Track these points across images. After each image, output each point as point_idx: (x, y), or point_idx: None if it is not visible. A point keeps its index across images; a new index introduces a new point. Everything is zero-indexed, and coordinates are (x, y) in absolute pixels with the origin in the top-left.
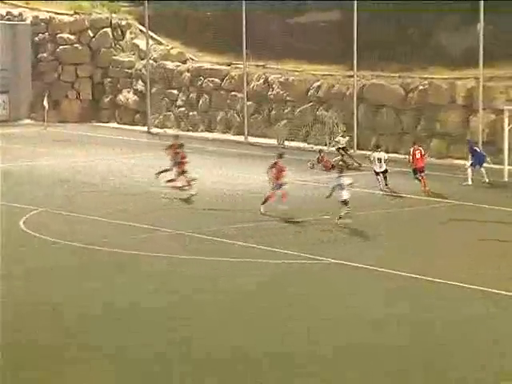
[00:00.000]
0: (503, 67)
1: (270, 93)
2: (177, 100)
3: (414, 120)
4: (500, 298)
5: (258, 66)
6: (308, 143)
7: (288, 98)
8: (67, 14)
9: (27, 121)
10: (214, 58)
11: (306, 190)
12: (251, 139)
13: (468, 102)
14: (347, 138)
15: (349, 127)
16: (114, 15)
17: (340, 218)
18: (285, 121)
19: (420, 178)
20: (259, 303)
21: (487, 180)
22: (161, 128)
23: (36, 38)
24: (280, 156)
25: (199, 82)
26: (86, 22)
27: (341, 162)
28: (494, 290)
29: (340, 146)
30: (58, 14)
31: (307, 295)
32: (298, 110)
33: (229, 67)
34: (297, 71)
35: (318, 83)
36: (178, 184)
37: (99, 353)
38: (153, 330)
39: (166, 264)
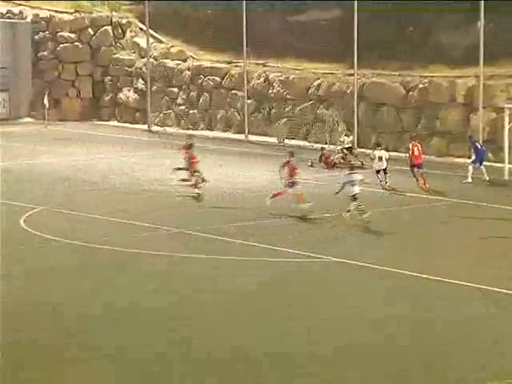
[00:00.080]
0: (504, 65)
1: (270, 91)
2: (177, 98)
3: (415, 118)
4: (500, 298)
5: (258, 64)
6: (308, 141)
7: (288, 97)
8: (67, 13)
9: (27, 119)
10: (215, 56)
11: (307, 188)
12: (251, 137)
13: (468, 101)
14: (351, 137)
15: (349, 125)
16: (114, 13)
17: (348, 211)
18: (285, 119)
19: (419, 174)
20: (259, 303)
21: (487, 178)
22: (161, 126)
23: (36, 37)
24: (292, 155)
25: (199, 81)
26: (87, 21)
27: (341, 161)
28: (494, 290)
29: (345, 146)
30: (59, 12)
31: (307, 295)
32: (298, 109)
33: (229, 65)
34: (297, 69)
35: (319, 81)
36: (192, 183)
37: (99, 353)
38: (153, 330)
39: (167, 263)
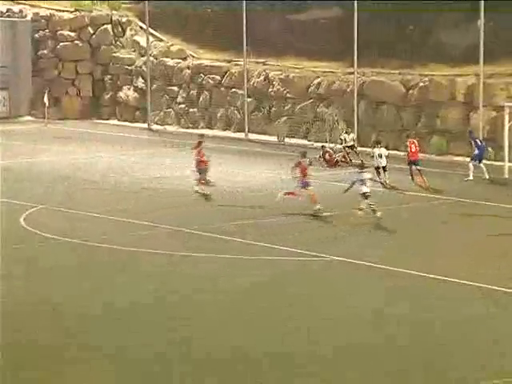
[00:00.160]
0: (503, 64)
1: (270, 90)
2: (177, 97)
3: (415, 117)
4: (500, 298)
5: (258, 62)
6: (308, 140)
7: (288, 95)
8: (67, 11)
9: (27, 118)
10: (215, 54)
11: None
12: (251, 136)
13: (468, 99)
14: (352, 134)
15: (349, 124)
16: (114, 12)
17: (360, 209)
18: (285, 118)
19: (416, 171)
20: (259, 303)
21: (487, 176)
22: (161, 125)
23: (36, 35)
24: (304, 155)
25: (199, 79)
26: (87, 19)
27: (342, 159)
28: (494, 289)
29: (347, 145)
30: (59, 10)
31: (307, 295)
32: (298, 107)
33: (229, 64)
34: (297, 68)
35: (319, 80)
36: (208, 180)
37: (99, 353)
38: (153, 330)
39: (166, 262)
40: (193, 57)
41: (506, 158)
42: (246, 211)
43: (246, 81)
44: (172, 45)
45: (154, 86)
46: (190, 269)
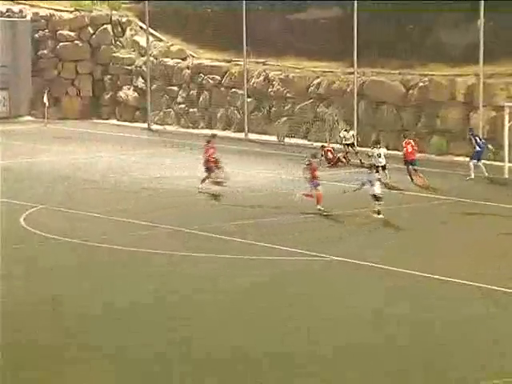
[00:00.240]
0: (503, 64)
1: (270, 90)
2: (177, 97)
3: (415, 117)
4: (500, 298)
5: (258, 62)
6: (308, 140)
7: (288, 95)
8: (67, 11)
9: (27, 117)
10: (215, 54)
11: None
12: (251, 136)
13: (468, 99)
14: (351, 132)
15: (349, 124)
16: (114, 12)
17: (375, 211)
18: (285, 118)
19: (413, 171)
20: (259, 303)
21: (487, 175)
22: (161, 125)
23: (36, 35)
24: (314, 156)
25: (199, 79)
26: (87, 19)
27: (343, 159)
28: (494, 289)
29: (347, 142)
30: (59, 10)
31: (307, 295)
32: (298, 107)
33: (229, 64)
34: (297, 68)
35: (319, 80)
36: (219, 179)
37: (99, 353)
38: (153, 330)
39: (166, 262)
40: (193, 57)
41: (506, 158)
42: (245, 211)
43: (245, 81)
44: (172, 45)
45: (154, 85)
46: (190, 269)
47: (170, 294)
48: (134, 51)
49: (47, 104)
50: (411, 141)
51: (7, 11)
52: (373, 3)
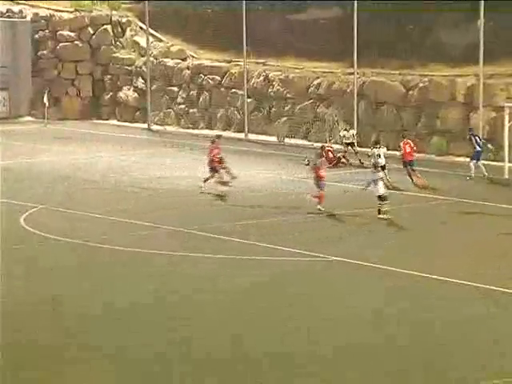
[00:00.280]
0: (504, 64)
1: (270, 90)
2: (177, 97)
3: (415, 117)
4: (500, 298)
5: (258, 63)
6: (308, 140)
7: (288, 95)
8: (67, 11)
9: (27, 118)
10: (215, 55)
11: (307, 186)
12: (251, 136)
13: (468, 100)
14: (351, 131)
15: (349, 124)
16: (114, 12)
17: (385, 213)
18: (285, 118)
19: (411, 171)
20: (259, 303)
21: (486, 174)
22: (161, 125)
23: (36, 35)
24: (320, 156)
25: (199, 80)
26: (87, 19)
27: (343, 159)
28: (494, 289)
29: (347, 141)
30: (59, 11)
31: (307, 295)
32: (298, 108)
33: (229, 64)
34: (297, 68)
35: (319, 80)
36: (224, 180)
37: (99, 353)
38: (153, 330)
39: (166, 262)
40: (193, 57)
41: (506, 158)
42: (245, 211)
43: (245, 81)
44: (172, 45)
45: (154, 86)
46: (190, 269)
47: (170, 293)
48: (134, 51)
49: (47, 104)
50: (409, 141)
51: (7, 11)
52: (373, 3)
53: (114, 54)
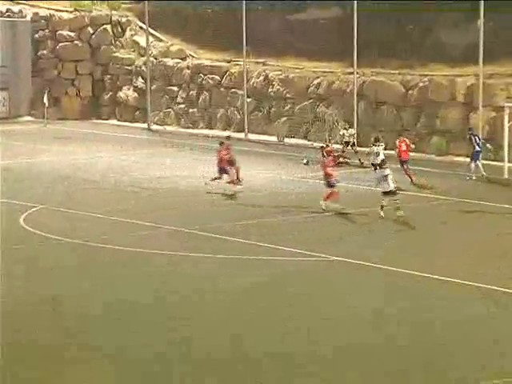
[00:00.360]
0: (503, 64)
1: (270, 90)
2: (177, 97)
3: (414, 117)
4: (500, 298)
5: (258, 63)
6: (308, 140)
7: (288, 95)
8: (67, 11)
9: (27, 118)
10: (214, 54)
11: (307, 186)
12: (251, 136)
13: (468, 99)
14: (350, 130)
15: (349, 123)
16: (114, 12)
17: (399, 209)
18: (285, 118)
19: (407, 169)
20: (259, 303)
21: (484, 174)
22: (161, 125)
23: (36, 35)
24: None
25: (199, 79)
26: (86, 19)
27: (341, 159)
28: (494, 289)
29: (346, 140)
30: (58, 10)
31: (307, 295)
32: (298, 107)
33: (229, 64)
34: (297, 68)
35: (318, 80)
36: (234, 180)
37: (99, 353)
38: (153, 330)
39: (167, 262)
40: (192, 57)
41: (506, 158)
42: (245, 211)
43: (245, 81)
44: (172, 45)
45: (154, 86)
46: (190, 269)
47: (170, 293)
48: (133, 51)
49: (47, 104)
50: (405, 139)
51: (7, 11)
52: (373, 3)
53: (114, 54)
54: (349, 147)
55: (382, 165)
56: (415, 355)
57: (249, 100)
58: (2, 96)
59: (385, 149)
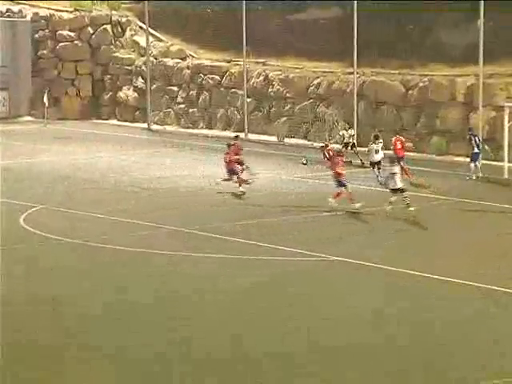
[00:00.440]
0: (503, 64)
1: (270, 90)
2: (177, 97)
3: (414, 117)
4: (500, 298)
5: (258, 62)
6: (308, 140)
7: (288, 95)
8: (67, 11)
9: (27, 118)
10: (214, 54)
11: (307, 186)
12: (251, 136)
13: (468, 99)
14: (350, 131)
15: (349, 124)
16: (114, 12)
17: (409, 206)
18: (285, 118)
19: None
20: (259, 303)
21: (481, 175)
22: (161, 125)
23: (36, 35)
24: (339, 153)
25: (199, 79)
26: (86, 19)
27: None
28: (494, 289)
29: (346, 141)
30: (58, 10)
31: (307, 295)
32: (298, 107)
33: (229, 64)
34: (297, 68)
35: (318, 80)
36: (244, 179)
37: (99, 353)
38: (153, 330)
39: (167, 262)
40: (192, 57)
41: (506, 158)
42: (245, 211)
43: (245, 81)
44: (172, 45)
45: (154, 86)
46: (190, 269)
47: (170, 293)
48: (133, 51)
49: (47, 104)
50: (401, 138)
51: (7, 11)
52: (373, 3)
53: (114, 54)
54: (349, 148)
55: (380, 163)
56: (415, 355)
57: (249, 100)
58: (2, 96)
59: (385, 148)
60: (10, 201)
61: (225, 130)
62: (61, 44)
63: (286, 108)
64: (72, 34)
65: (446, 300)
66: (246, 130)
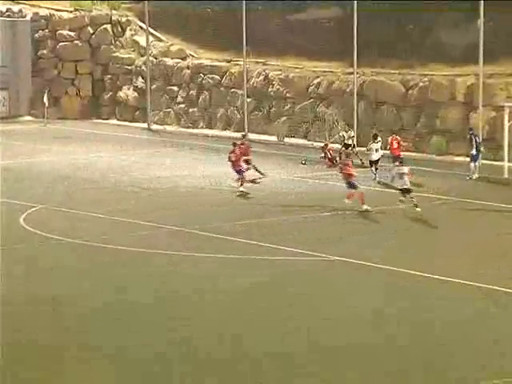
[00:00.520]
0: (503, 64)
1: (270, 89)
2: (177, 97)
3: (414, 117)
4: (500, 298)
5: (258, 62)
6: (308, 140)
7: (288, 95)
8: (67, 11)
9: (27, 117)
10: (214, 54)
11: (307, 186)
12: (251, 136)
13: (468, 99)
14: (350, 132)
15: (349, 124)
16: (114, 12)
17: (416, 206)
18: (285, 117)
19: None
20: (259, 303)
21: (477, 176)
22: (161, 125)
23: (36, 35)
24: (347, 156)
25: (199, 79)
26: (86, 19)
27: (337, 159)
28: (494, 289)
29: (346, 143)
30: (58, 10)
31: (307, 295)
32: (298, 107)
33: (229, 64)
34: (297, 68)
35: (318, 80)
36: (252, 178)
37: (99, 353)
38: (153, 330)
39: (167, 262)
40: (192, 56)
41: (506, 158)
42: (246, 211)
43: (245, 81)
44: (172, 45)
45: (154, 85)
46: (190, 269)
47: (170, 293)
48: (133, 51)
49: (47, 104)
50: (397, 137)
51: (7, 11)
52: (373, 3)
53: (114, 54)
54: (349, 149)
55: (378, 162)
56: (415, 355)
57: (249, 100)
58: (2, 96)
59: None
60: (9, 201)
61: (225, 129)
62: (61, 44)
63: (286, 108)
64: (72, 34)
65: (446, 300)
66: (246, 129)
